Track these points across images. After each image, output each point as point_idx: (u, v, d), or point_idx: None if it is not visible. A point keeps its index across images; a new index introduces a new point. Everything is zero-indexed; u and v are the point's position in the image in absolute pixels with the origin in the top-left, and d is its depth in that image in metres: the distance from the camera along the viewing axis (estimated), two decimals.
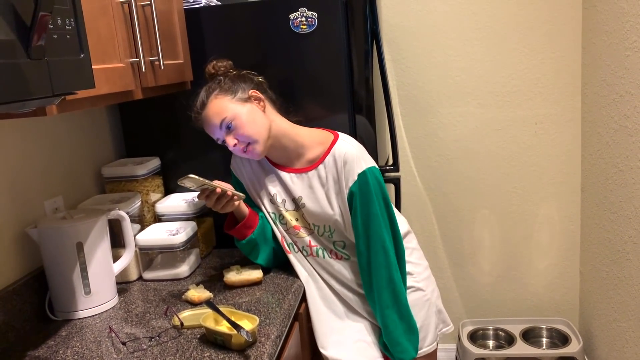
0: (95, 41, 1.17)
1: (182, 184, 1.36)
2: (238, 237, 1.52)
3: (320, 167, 1.46)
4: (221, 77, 1.45)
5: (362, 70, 1.71)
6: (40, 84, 0.87)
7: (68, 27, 0.94)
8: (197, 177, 1.33)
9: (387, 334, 1.46)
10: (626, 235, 1.89)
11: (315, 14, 1.63)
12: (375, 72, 1.79)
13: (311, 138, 1.49)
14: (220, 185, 1.40)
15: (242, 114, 1.40)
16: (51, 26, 0.89)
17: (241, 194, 1.45)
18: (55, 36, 0.91)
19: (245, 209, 1.51)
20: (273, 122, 1.45)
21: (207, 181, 1.36)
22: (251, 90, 1.44)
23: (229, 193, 1.41)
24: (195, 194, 1.79)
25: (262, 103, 1.45)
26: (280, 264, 1.60)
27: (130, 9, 1.30)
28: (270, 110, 1.48)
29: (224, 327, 1.22)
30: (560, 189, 2.40)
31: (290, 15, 1.65)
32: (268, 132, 1.43)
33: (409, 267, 1.54)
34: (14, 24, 0.81)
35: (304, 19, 1.64)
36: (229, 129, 1.40)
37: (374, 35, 1.73)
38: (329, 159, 1.45)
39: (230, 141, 1.41)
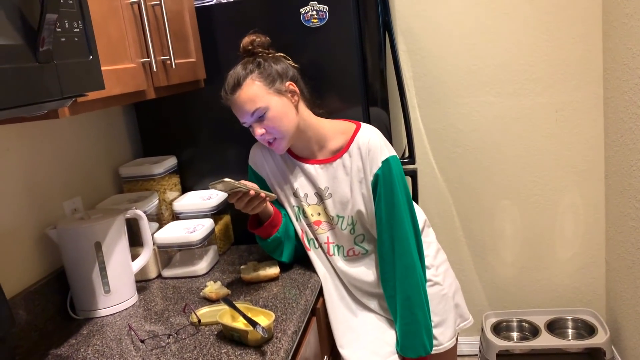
0: (106, 42, 1.18)
1: (213, 188, 1.33)
2: (263, 236, 1.51)
3: (345, 156, 1.45)
4: (260, 60, 1.41)
5: (375, 62, 1.69)
6: (50, 87, 0.88)
7: (76, 30, 0.95)
8: (231, 180, 1.31)
9: (404, 324, 1.44)
10: None
11: (326, 7, 1.62)
12: (389, 63, 1.78)
13: (334, 129, 1.48)
14: (252, 187, 1.38)
15: (276, 107, 1.38)
16: (59, 29, 0.90)
17: (272, 194, 1.43)
18: (63, 39, 0.91)
19: (270, 207, 1.50)
20: (301, 117, 1.43)
21: (241, 184, 1.34)
22: (288, 83, 1.41)
23: (262, 195, 1.39)
24: (212, 192, 1.80)
25: (295, 97, 1.42)
26: (297, 260, 1.60)
27: (140, 9, 1.31)
28: (300, 103, 1.45)
29: (240, 323, 1.22)
30: (583, 176, 2.35)
31: (301, 10, 1.64)
32: (296, 128, 1.42)
33: (426, 261, 1.52)
34: (21, 29, 0.82)
35: (314, 12, 1.63)
36: (260, 118, 1.38)
37: (386, 26, 1.71)
38: (353, 148, 1.44)
39: (258, 130, 1.39)
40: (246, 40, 1.44)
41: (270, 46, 1.46)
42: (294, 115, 1.41)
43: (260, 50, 1.44)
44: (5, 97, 0.79)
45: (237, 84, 1.38)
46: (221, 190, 1.36)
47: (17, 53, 0.81)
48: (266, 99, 1.37)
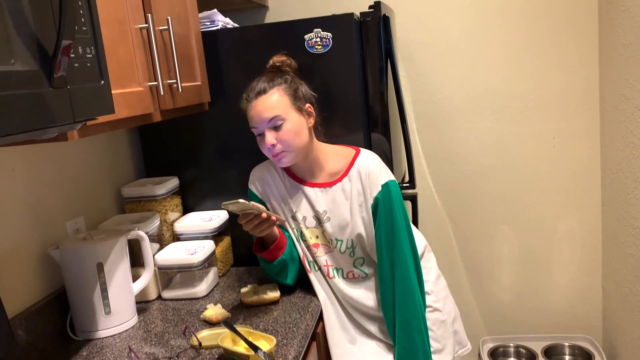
0: (115, 66, 1.20)
1: (226, 208, 1.34)
2: (268, 259, 1.52)
3: (345, 179, 1.47)
4: (288, 76, 1.45)
5: (377, 87, 1.72)
6: (62, 112, 0.90)
7: (89, 56, 0.97)
8: (245, 201, 1.32)
9: (402, 348, 1.44)
10: None
11: (329, 34, 1.65)
12: (390, 89, 1.80)
13: (334, 153, 1.51)
14: (263, 209, 1.39)
15: (294, 121, 1.41)
16: (72, 55, 0.92)
17: (282, 218, 1.45)
18: (76, 65, 0.93)
19: (275, 230, 1.51)
20: (310, 140, 1.47)
21: (254, 206, 1.36)
22: (308, 105, 1.46)
23: (273, 218, 1.40)
24: (213, 213, 1.81)
25: (311, 120, 1.47)
26: (298, 283, 1.60)
27: (148, 34, 1.34)
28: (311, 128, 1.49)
29: (241, 347, 1.22)
30: (580, 203, 2.37)
31: (305, 36, 1.67)
32: (305, 148, 1.45)
33: (426, 286, 1.53)
34: (37, 55, 0.84)
35: (318, 39, 1.66)
36: (276, 128, 1.41)
37: (388, 53, 1.74)
38: (353, 172, 1.47)
39: (270, 139, 1.40)
40: (277, 57, 1.49)
41: (296, 71, 1.51)
42: (307, 135, 1.44)
43: (288, 70, 1.49)
44: (19, 121, 0.80)
45: (263, 90, 1.41)
46: (233, 211, 1.37)
47: (32, 78, 0.83)
48: (287, 111, 1.41)
